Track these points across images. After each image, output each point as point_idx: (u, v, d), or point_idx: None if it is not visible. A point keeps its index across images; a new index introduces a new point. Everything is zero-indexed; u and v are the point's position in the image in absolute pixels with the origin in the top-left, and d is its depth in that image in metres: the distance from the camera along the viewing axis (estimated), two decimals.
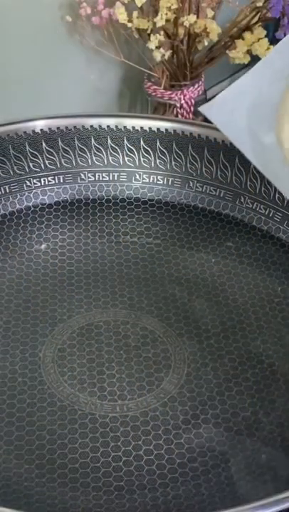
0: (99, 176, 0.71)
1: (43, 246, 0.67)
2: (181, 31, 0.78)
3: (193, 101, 0.82)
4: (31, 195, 0.69)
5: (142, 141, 0.70)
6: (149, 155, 0.71)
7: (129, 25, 0.78)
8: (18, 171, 0.69)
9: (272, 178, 0.60)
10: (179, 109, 0.82)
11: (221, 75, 1.03)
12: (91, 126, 0.70)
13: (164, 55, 0.78)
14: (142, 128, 0.70)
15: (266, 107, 0.58)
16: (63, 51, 0.82)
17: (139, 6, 0.76)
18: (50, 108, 0.74)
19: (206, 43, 0.79)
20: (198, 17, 0.77)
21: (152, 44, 0.77)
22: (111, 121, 0.70)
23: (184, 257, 0.66)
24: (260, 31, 0.79)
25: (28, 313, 0.61)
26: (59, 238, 0.68)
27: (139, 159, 0.71)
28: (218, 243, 0.67)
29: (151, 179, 0.71)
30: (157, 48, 0.78)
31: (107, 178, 0.71)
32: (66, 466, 0.50)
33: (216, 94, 0.63)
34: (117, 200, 0.71)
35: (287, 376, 0.57)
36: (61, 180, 0.70)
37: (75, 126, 0.69)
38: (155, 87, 0.82)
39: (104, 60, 0.84)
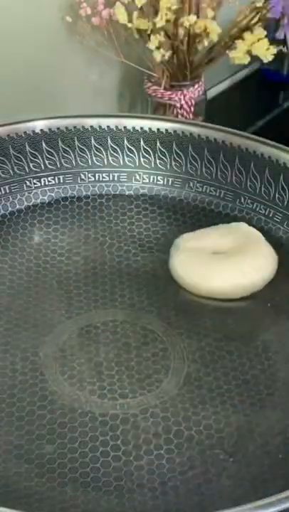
0: (99, 176, 0.71)
1: (43, 246, 0.67)
2: (181, 32, 0.78)
3: (193, 101, 0.82)
4: (31, 196, 0.69)
5: (142, 142, 0.70)
6: (149, 155, 0.71)
7: (129, 25, 0.77)
8: (18, 171, 0.69)
9: None
10: (179, 110, 0.82)
11: (221, 75, 1.03)
12: (91, 126, 0.70)
13: (164, 56, 0.78)
14: (142, 128, 0.70)
15: None
16: (63, 51, 0.82)
17: (139, 6, 0.76)
18: (50, 108, 0.74)
19: (206, 44, 0.79)
20: (198, 17, 0.77)
21: (152, 44, 0.77)
22: (111, 122, 0.70)
23: None
24: (260, 31, 0.79)
25: (29, 313, 0.60)
26: (59, 238, 0.68)
27: (139, 159, 0.71)
28: None
29: (151, 179, 0.71)
30: (157, 48, 0.78)
31: (107, 179, 0.71)
32: (66, 465, 0.49)
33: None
34: (117, 200, 0.71)
35: (288, 376, 0.56)
36: (61, 181, 0.70)
37: (75, 127, 0.69)
38: (155, 87, 0.82)
39: (105, 61, 0.84)
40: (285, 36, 0.82)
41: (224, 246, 0.64)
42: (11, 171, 0.68)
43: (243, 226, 0.66)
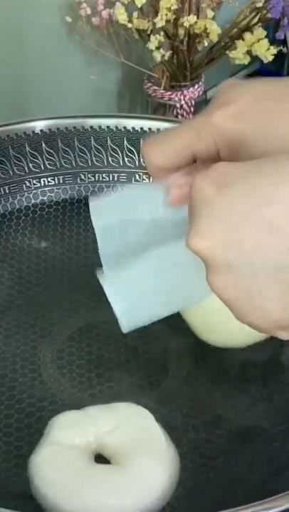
0: (99, 176, 0.71)
1: (43, 246, 0.67)
2: (181, 32, 0.78)
3: (193, 101, 0.82)
4: (31, 196, 0.69)
5: (141, 142, 0.70)
6: None
7: (129, 25, 0.78)
8: (17, 172, 0.68)
9: None
10: (179, 110, 0.82)
11: (221, 75, 1.03)
12: (91, 126, 0.70)
13: (164, 56, 0.78)
14: (141, 128, 0.70)
15: None
16: (63, 52, 0.82)
17: (139, 6, 0.76)
18: (50, 109, 0.74)
19: (206, 44, 0.79)
20: (198, 18, 0.77)
21: (152, 45, 0.77)
22: (111, 122, 0.70)
23: None
24: (260, 32, 0.79)
25: (28, 313, 0.60)
26: (59, 238, 0.68)
27: (139, 160, 0.71)
28: None
29: (151, 179, 0.71)
30: (157, 48, 0.78)
31: (107, 179, 0.71)
32: None
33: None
34: None
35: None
36: (61, 181, 0.70)
37: (74, 127, 0.69)
38: (155, 87, 0.82)
39: (104, 61, 0.84)
40: (285, 36, 0.82)
41: (109, 443, 0.47)
42: (10, 171, 0.68)
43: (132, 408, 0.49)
